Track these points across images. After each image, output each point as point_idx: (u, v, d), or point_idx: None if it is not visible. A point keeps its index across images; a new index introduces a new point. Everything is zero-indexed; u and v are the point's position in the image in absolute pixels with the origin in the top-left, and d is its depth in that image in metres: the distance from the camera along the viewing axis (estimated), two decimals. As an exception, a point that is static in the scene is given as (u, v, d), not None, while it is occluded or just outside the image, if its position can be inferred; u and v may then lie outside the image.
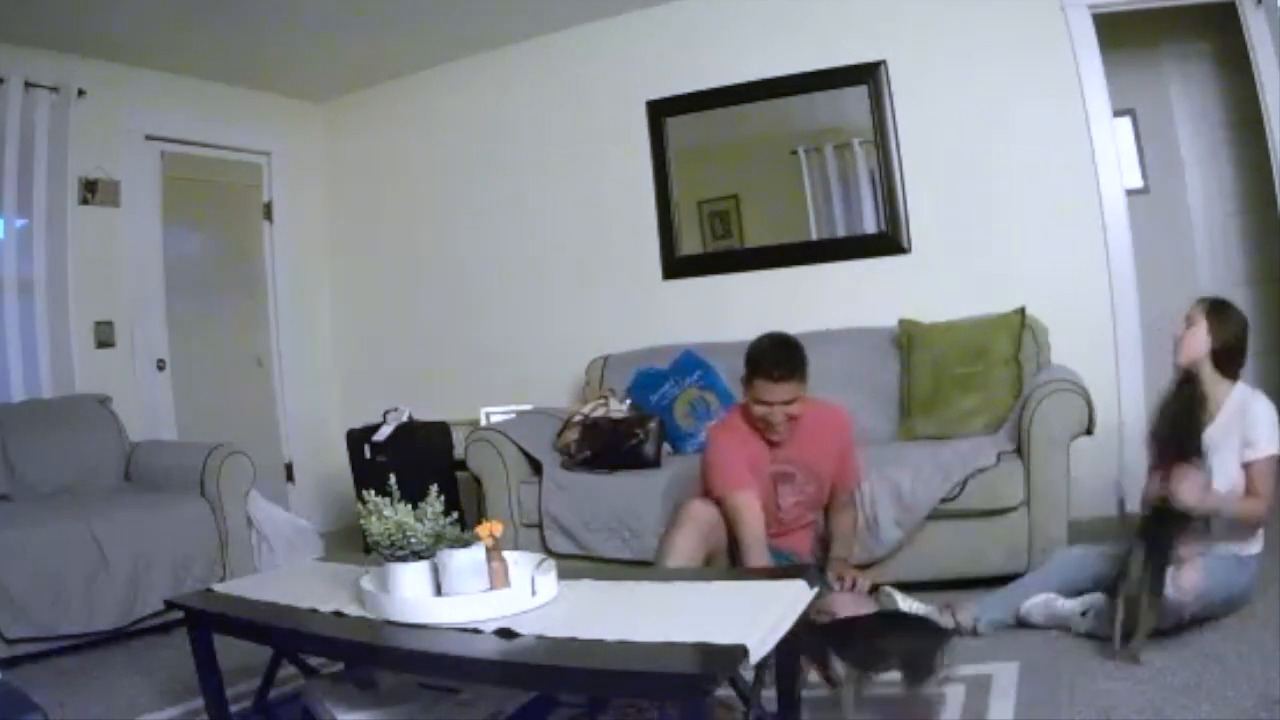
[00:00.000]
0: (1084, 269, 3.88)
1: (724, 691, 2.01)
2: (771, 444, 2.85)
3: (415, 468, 4.07)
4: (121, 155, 4.55)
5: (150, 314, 4.70)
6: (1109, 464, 3.66)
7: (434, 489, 2.12)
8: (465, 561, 2.01)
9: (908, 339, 3.78)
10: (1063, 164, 3.91)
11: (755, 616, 1.79)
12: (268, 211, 5.35)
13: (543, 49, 4.88)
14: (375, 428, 4.59)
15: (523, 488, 3.77)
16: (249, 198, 5.31)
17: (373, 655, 2.04)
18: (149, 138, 4.72)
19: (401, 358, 5.34)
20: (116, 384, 4.32)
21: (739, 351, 2.91)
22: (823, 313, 4.10)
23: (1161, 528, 2.43)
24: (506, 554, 2.08)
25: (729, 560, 2.76)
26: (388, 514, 2.06)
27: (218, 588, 2.49)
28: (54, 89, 4.22)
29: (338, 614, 2.10)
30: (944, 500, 3.11)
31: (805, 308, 4.19)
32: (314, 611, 2.13)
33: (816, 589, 2.04)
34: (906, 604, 2.67)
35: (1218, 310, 2.59)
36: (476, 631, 1.88)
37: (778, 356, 2.77)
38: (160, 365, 4.72)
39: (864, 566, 3.02)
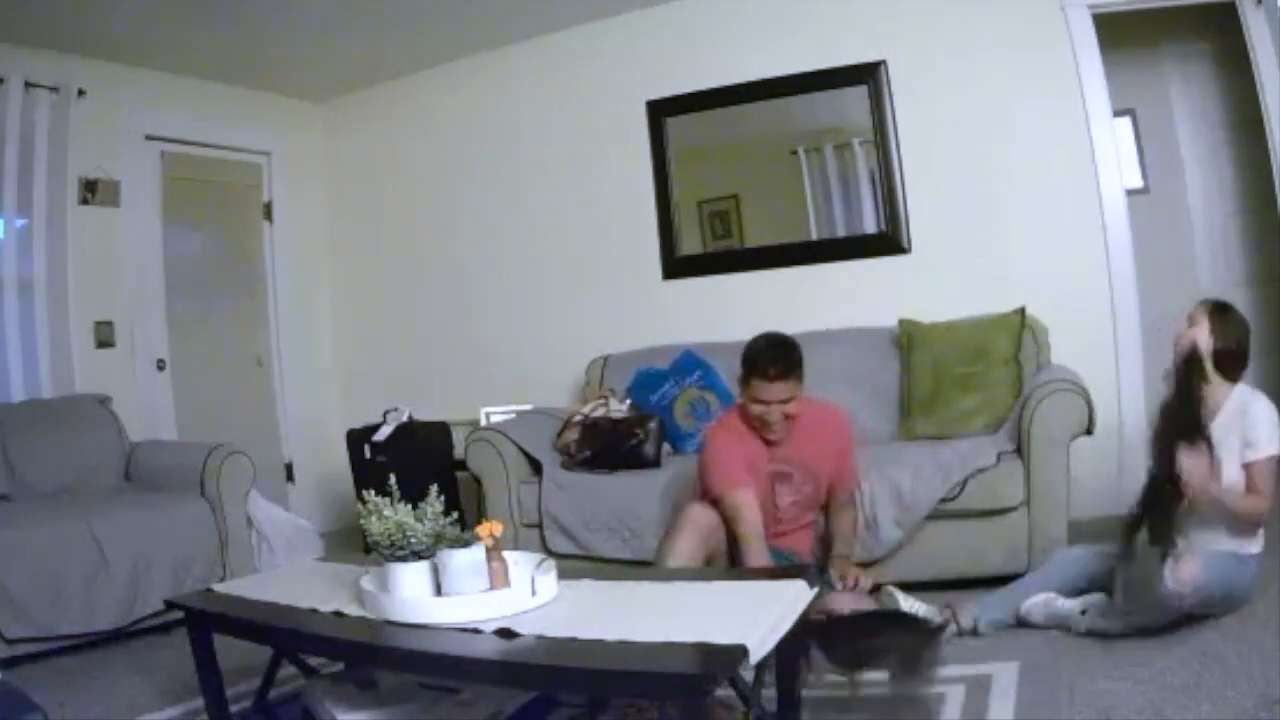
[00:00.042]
0: (1084, 269, 3.88)
1: (724, 691, 2.01)
2: (769, 443, 2.86)
3: (415, 468, 4.07)
4: (121, 155, 4.55)
5: (150, 314, 4.70)
6: (1109, 464, 3.66)
7: (434, 489, 2.12)
8: (465, 561, 2.01)
9: (908, 339, 3.78)
10: (1063, 164, 3.91)
11: (755, 616, 1.80)
12: (268, 211, 5.35)
13: (543, 49, 4.88)
14: (375, 428, 4.59)
15: (523, 488, 3.77)
16: (249, 198, 5.31)
17: (373, 655, 2.04)
18: (149, 138, 4.72)
19: (401, 358, 5.34)
20: (116, 384, 4.32)
21: (739, 351, 2.91)
22: (823, 313, 4.10)
23: (1163, 498, 2.46)
24: (506, 554, 2.08)
25: (728, 560, 2.76)
26: (388, 514, 2.06)
27: (218, 588, 2.49)
28: (54, 89, 4.22)
29: (338, 614, 2.10)
30: (944, 500, 3.11)
31: (805, 308, 4.18)
32: (314, 611, 2.14)
33: (816, 589, 2.04)
34: (908, 604, 2.67)
35: (1220, 312, 2.60)
36: (476, 631, 1.88)
37: (774, 356, 2.78)
38: (160, 365, 4.72)
39: (864, 566, 3.02)
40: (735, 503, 2.72)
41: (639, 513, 3.47)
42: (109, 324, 4.48)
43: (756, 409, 2.80)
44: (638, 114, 4.65)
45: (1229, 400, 2.57)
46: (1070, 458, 3.07)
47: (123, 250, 4.56)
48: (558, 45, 4.84)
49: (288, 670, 2.46)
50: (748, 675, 1.92)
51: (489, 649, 1.82)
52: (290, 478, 5.32)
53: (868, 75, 4.20)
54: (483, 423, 4.33)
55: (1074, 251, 3.90)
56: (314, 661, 2.52)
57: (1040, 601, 2.66)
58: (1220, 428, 2.54)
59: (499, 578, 2.02)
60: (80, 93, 4.30)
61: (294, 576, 2.62)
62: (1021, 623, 2.67)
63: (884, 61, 4.17)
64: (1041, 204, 3.95)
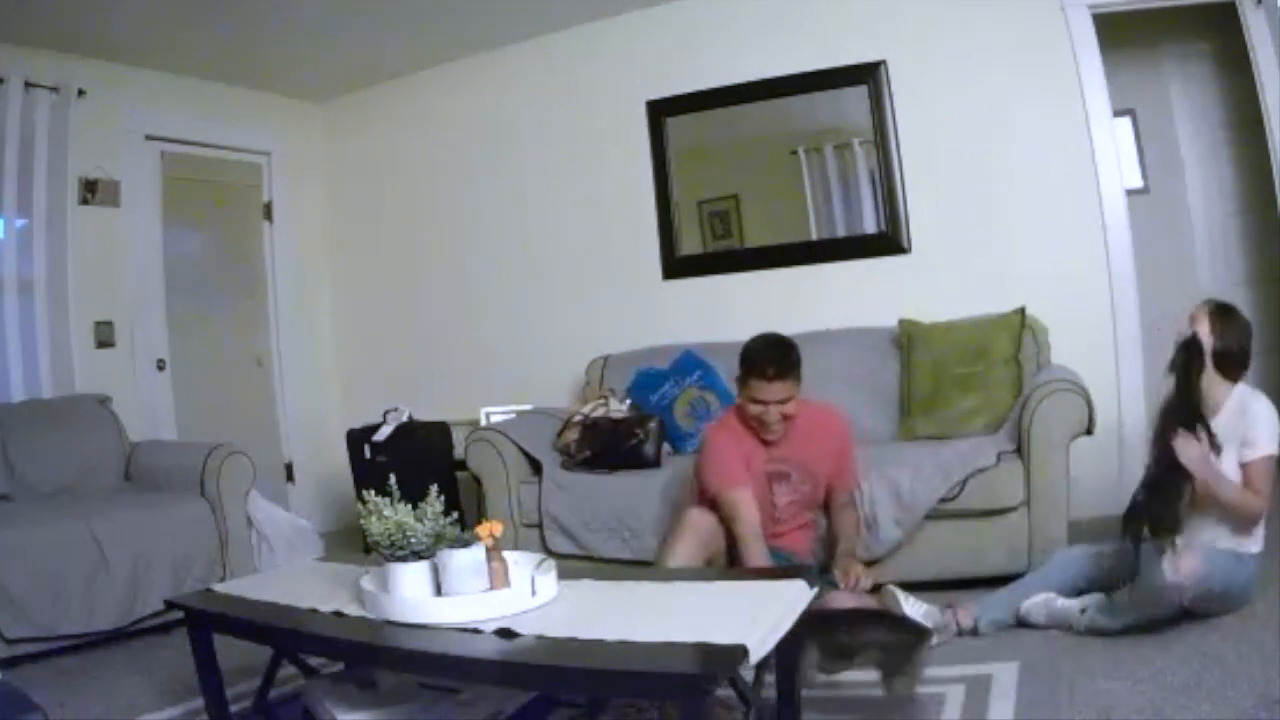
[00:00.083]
0: (1084, 269, 3.88)
1: (724, 691, 2.01)
2: (766, 443, 2.86)
3: (415, 468, 4.07)
4: (121, 155, 4.55)
5: (150, 314, 4.70)
6: (1109, 464, 3.66)
7: (434, 489, 2.12)
8: (465, 561, 2.01)
9: (908, 339, 3.78)
10: (1063, 164, 3.91)
11: (755, 616, 1.79)
12: (268, 211, 5.35)
13: (543, 49, 4.88)
14: (375, 428, 4.59)
15: (523, 488, 3.77)
16: (249, 198, 5.31)
17: (373, 655, 2.04)
18: (149, 138, 4.72)
19: (401, 358, 5.34)
20: (116, 384, 4.32)
21: (739, 351, 2.91)
22: (823, 313, 4.11)
23: (1164, 489, 2.49)
24: (506, 554, 2.08)
25: (727, 560, 2.77)
26: (388, 514, 2.06)
27: (218, 588, 2.49)
28: (54, 89, 4.22)
29: (338, 614, 2.10)
30: (944, 500, 3.11)
31: (805, 308, 4.18)
32: (314, 611, 2.13)
33: (816, 589, 2.04)
34: (908, 604, 2.67)
35: (1222, 312, 2.61)
36: (476, 631, 1.88)
37: (771, 356, 2.78)
38: (160, 365, 4.72)
39: (865, 565, 3.02)
40: (733, 501, 2.72)
41: (639, 513, 3.47)
42: (109, 324, 4.48)
43: (754, 409, 2.81)
44: (638, 114, 4.65)
45: (1229, 400, 2.58)
46: (1070, 458, 3.07)
47: (123, 250, 4.56)
48: (558, 45, 4.84)
49: (288, 670, 2.46)
50: (748, 675, 1.92)
51: (489, 649, 1.82)
52: (290, 478, 5.32)
53: (868, 75, 4.20)
54: (483, 423, 4.33)
55: (1074, 251, 3.90)
56: (314, 661, 2.52)
57: (1040, 601, 2.66)
58: (1220, 427, 2.55)
59: (499, 578, 2.02)
60: (80, 93, 4.30)
61: (294, 576, 2.62)
62: (1022, 623, 2.67)
63: (884, 61, 4.17)
64: (1041, 204, 3.95)
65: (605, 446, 3.76)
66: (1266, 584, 2.61)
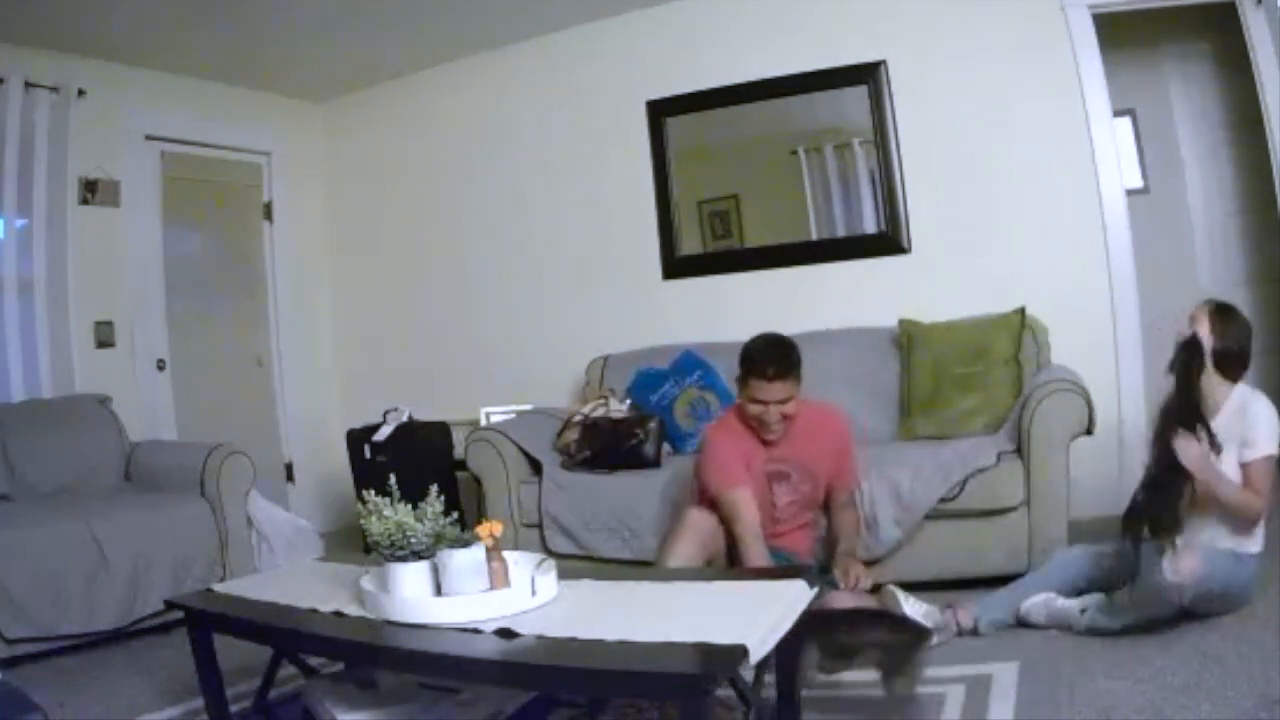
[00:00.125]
0: (1084, 269, 3.88)
1: (724, 691, 2.01)
2: (766, 443, 2.86)
3: (415, 468, 4.07)
4: (121, 155, 4.55)
5: (150, 314, 4.70)
6: (1109, 464, 3.66)
7: (434, 489, 2.12)
8: (465, 561, 2.01)
9: (908, 339, 3.78)
10: (1063, 164, 3.91)
11: (755, 616, 1.79)
12: (268, 211, 5.35)
13: (543, 49, 4.88)
14: (375, 428, 4.59)
15: (523, 488, 3.77)
16: (249, 198, 5.31)
17: (373, 655, 2.04)
18: (149, 138, 4.72)
19: (401, 358, 5.34)
20: (116, 384, 4.32)
21: (739, 351, 2.91)
22: (823, 313, 4.10)
23: (1164, 488, 2.50)
24: (506, 554, 2.08)
25: (727, 560, 2.77)
26: (388, 514, 2.06)
27: (218, 588, 2.49)
28: (54, 89, 4.22)
29: (338, 614, 2.10)
30: (944, 500, 3.11)
31: (805, 308, 4.18)
32: (314, 611, 2.13)
33: (816, 589, 2.04)
34: (908, 604, 2.67)
35: (1222, 313, 2.61)
36: (476, 631, 1.88)
37: (771, 356, 2.79)
38: (160, 365, 4.72)
39: (865, 565, 3.02)
40: (733, 500, 2.73)
41: (639, 513, 3.47)
42: (109, 324, 4.48)
43: (754, 409, 2.81)
44: (638, 114, 4.65)
45: (1229, 400, 2.58)
46: (1070, 458, 3.07)
47: (123, 250, 4.56)
48: (558, 45, 4.84)
49: (288, 670, 2.46)
50: (748, 675, 1.92)
51: (489, 649, 1.82)
52: (290, 478, 5.32)
53: (868, 75, 4.19)
54: (483, 423, 4.33)
55: (1074, 251, 3.90)
56: (314, 661, 2.52)
57: (1040, 601, 2.66)
58: (1220, 427, 2.55)
59: (499, 578, 2.02)
60: (80, 93, 4.30)
61: (294, 576, 2.62)
62: (1022, 623, 2.67)
63: (884, 61, 4.17)
64: (1041, 204, 3.95)
65: (605, 446, 3.76)
66: (1266, 584, 2.61)
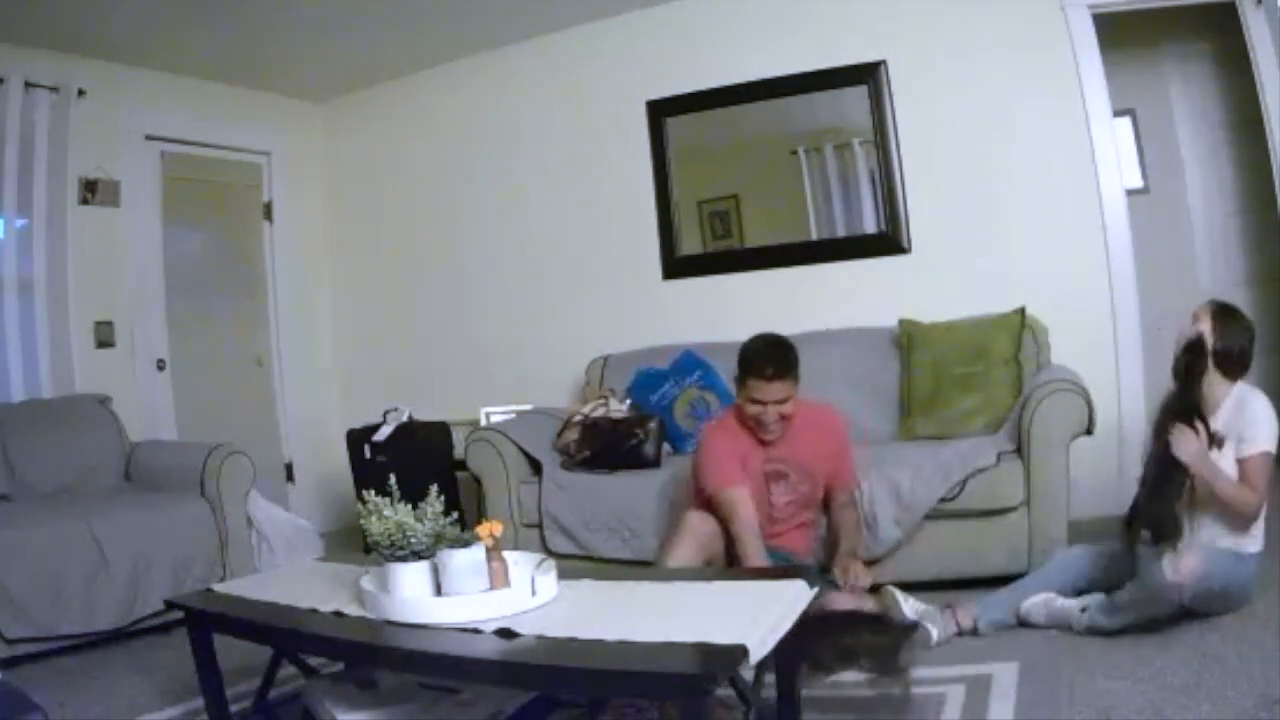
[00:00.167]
0: (1084, 269, 3.88)
1: (724, 691, 2.01)
2: (764, 443, 2.87)
3: (415, 468, 4.07)
4: (121, 155, 4.55)
5: (150, 314, 4.70)
6: (1109, 464, 3.66)
7: (434, 489, 2.12)
8: (465, 561, 2.01)
9: (908, 339, 3.78)
10: (1063, 164, 3.91)
11: (755, 616, 1.79)
12: (268, 211, 5.35)
13: (543, 49, 4.88)
14: (375, 428, 4.59)
15: (523, 488, 3.77)
16: (249, 198, 5.31)
17: (373, 655, 2.04)
18: (149, 138, 4.71)
19: (401, 358, 5.34)
20: (116, 384, 4.32)
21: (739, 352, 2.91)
22: (823, 313, 4.10)
23: (1163, 487, 2.50)
24: (506, 554, 2.08)
25: (726, 560, 2.77)
26: (388, 514, 2.06)
27: (218, 588, 2.49)
28: (54, 89, 4.22)
29: (338, 614, 2.10)
30: (944, 500, 3.11)
31: (805, 308, 4.18)
32: (314, 611, 2.13)
33: (816, 589, 2.04)
34: (908, 604, 2.67)
35: (1225, 313, 2.62)
36: (476, 631, 1.88)
37: (770, 356, 2.79)
38: (160, 365, 4.72)
39: (865, 565, 3.02)
40: (730, 500, 2.73)
41: (639, 513, 3.47)
42: (109, 324, 4.48)
43: (752, 409, 2.82)
44: (638, 114, 4.65)
45: (1228, 398, 2.58)
46: (1070, 458, 3.07)
47: (123, 250, 4.56)
48: (558, 45, 4.84)
49: (288, 670, 2.46)
50: (748, 675, 1.92)
51: (489, 649, 1.82)
52: (290, 478, 5.32)
53: (868, 75, 4.19)
54: (483, 423, 4.33)
55: (1074, 251, 3.90)
56: (314, 661, 2.52)
57: (1040, 601, 2.66)
58: (1218, 425, 2.56)
59: (499, 578, 2.02)
60: (80, 93, 4.30)
61: (294, 576, 2.62)
62: (1022, 623, 2.67)
63: (884, 61, 4.17)
64: (1041, 204, 3.95)
65: (605, 446, 3.76)
66: (1266, 584, 2.61)
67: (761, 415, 2.80)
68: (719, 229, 4.59)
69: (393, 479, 2.18)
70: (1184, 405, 2.57)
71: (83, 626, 3.17)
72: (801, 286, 4.33)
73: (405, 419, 4.59)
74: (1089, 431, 3.07)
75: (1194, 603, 2.41)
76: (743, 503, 2.73)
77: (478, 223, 5.11)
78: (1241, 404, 2.56)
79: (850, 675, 2.17)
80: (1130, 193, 4.03)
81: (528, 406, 4.41)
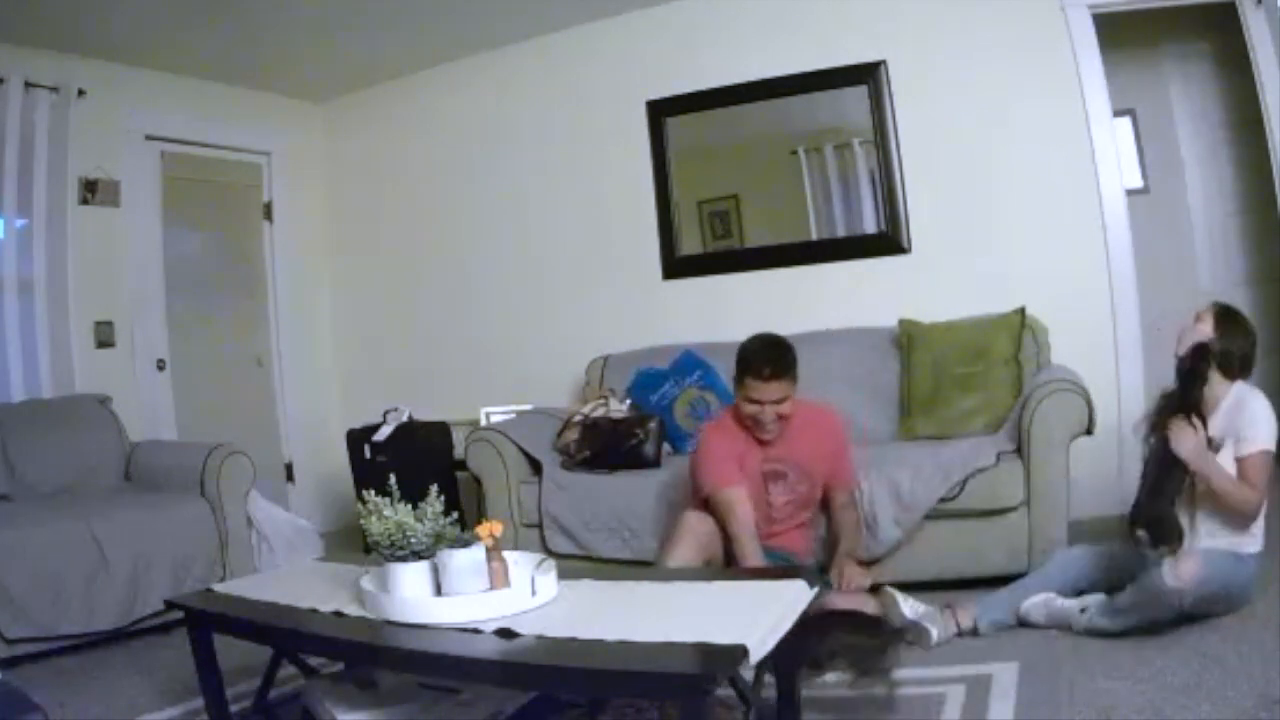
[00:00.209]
0: (1084, 269, 3.88)
1: (724, 691, 2.01)
2: (763, 443, 2.87)
3: (415, 468, 4.07)
4: (121, 155, 4.55)
5: (150, 314, 4.70)
6: (1109, 464, 3.66)
7: (434, 489, 2.12)
8: (465, 561, 2.01)
9: (908, 339, 3.78)
10: (1063, 164, 3.91)
11: (755, 616, 1.80)
12: (268, 211, 5.35)
13: (543, 49, 4.88)
14: (375, 428, 4.59)
15: (523, 488, 3.77)
16: (249, 198, 5.31)
17: (373, 655, 2.04)
18: (149, 138, 4.71)
19: (401, 358, 5.34)
20: (116, 384, 4.32)
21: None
22: (823, 313, 4.10)
23: (1162, 485, 2.51)
24: (506, 554, 2.08)
25: (724, 560, 2.77)
26: (388, 514, 2.06)
27: (218, 588, 2.49)
28: (54, 89, 4.22)
29: (338, 614, 2.10)
30: (944, 500, 3.11)
31: (805, 308, 4.18)
32: (314, 611, 2.14)
33: (816, 589, 2.04)
34: (907, 604, 2.67)
35: (1227, 315, 2.63)
36: (476, 631, 1.88)
37: (767, 356, 2.79)
38: (160, 365, 4.72)
39: (864, 565, 3.02)
40: (728, 500, 2.73)
41: (639, 513, 3.47)
42: (109, 324, 4.48)
43: (750, 409, 2.82)
44: (638, 114, 4.65)
45: (1227, 397, 2.59)
46: (1070, 458, 3.07)
47: (123, 250, 4.56)
48: (558, 45, 4.84)
49: (288, 670, 2.46)
50: (748, 675, 1.92)
51: (489, 649, 1.82)
52: (290, 478, 5.32)
53: (868, 75, 4.19)
54: (483, 423, 4.33)
55: (1074, 251, 3.90)
56: (314, 661, 2.52)
57: (1040, 601, 2.66)
58: (1217, 424, 2.56)
59: (499, 578, 2.02)
60: (80, 93, 4.30)
61: (294, 576, 2.62)
62: (1022, 623, 2.67)
63: (884, 61, 4.17)
64: (1041, 204, 3.95)
65: (605, 446, 3.76)
66: (1266, 584, 2.61)
67: (759, 415, 2.81)
68: (719, 229, 4.59)
69: (393, 479, 2.18)
70: (1183, 404, 2.57)
71: (83, 626, 3.17)
72: (801, 286, 4.33)
73: (405, 419, 4.59)
74: (1089, 431, 3.07)
75: (1195, 605, 2.41)
76: (740, 503, 2.74)
77: (478, 223, 5.11)
78: (1240, 404, 2.56)
79: (833, 675, 2.17)
80: (1130, 193, 4.03)
81: (528, 406, 4.41)
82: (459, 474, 4.38)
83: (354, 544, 4.35)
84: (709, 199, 4.60)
